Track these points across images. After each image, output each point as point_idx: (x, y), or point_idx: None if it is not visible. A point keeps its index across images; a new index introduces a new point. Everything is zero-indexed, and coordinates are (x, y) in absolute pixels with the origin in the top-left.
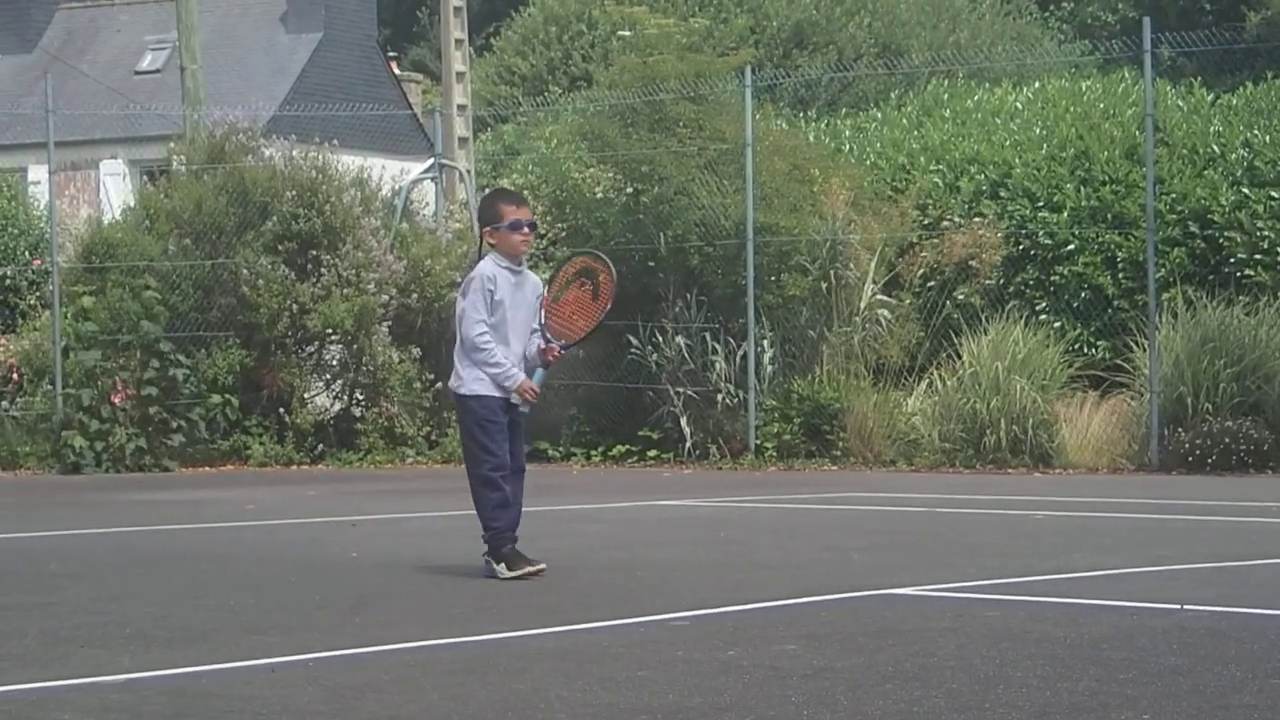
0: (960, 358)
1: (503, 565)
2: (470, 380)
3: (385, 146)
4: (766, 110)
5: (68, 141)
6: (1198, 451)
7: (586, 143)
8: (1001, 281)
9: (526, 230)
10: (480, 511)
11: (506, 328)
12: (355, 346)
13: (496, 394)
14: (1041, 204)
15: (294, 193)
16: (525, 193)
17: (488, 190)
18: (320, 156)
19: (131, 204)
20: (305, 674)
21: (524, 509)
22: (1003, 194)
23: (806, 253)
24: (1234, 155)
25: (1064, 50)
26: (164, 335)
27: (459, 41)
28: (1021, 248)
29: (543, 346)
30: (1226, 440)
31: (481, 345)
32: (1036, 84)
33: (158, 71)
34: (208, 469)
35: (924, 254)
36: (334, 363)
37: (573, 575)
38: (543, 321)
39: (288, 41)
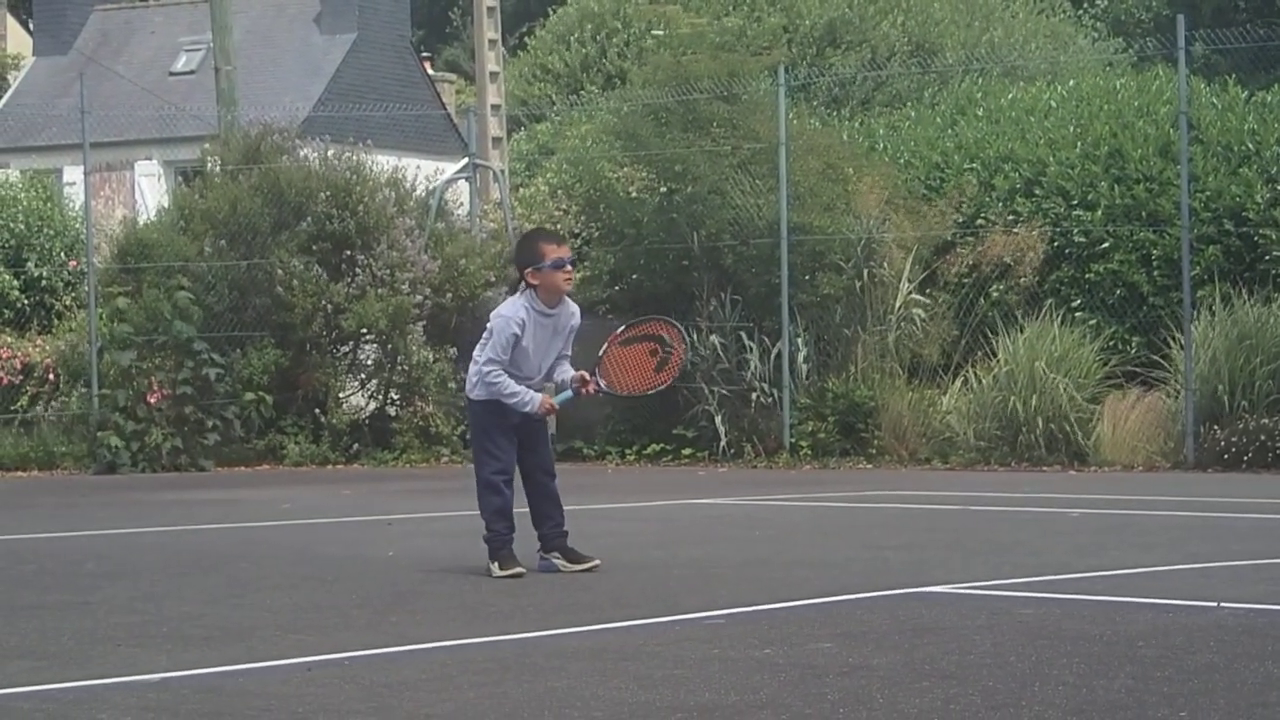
0: (995, 356)
1: (496, 564)
2: (479, 385)
3: (419, 146)
4: (800, 109)
5: (103, 142)
6: (1234, 449)
7: (620, 142)
8: (1037, 279)
9: (569, 269)
10: (482, 513)
11: (527, 359)
12: (390, 346)
13: (491, 399)
14: (1076, 202)
15: (328, 193)
16: (559, 192)
17: (524, 230)
18: (355, 157)
19: (166, 205)
20: (342, 673)
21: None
22: (1037, 192)
23: (840, 251)
24: (1269, 153)
25: (1098, 48)
26: (199, 335)
27: (492, 41)
28: (1056, 245)
29: (586, 378)
30: (1263, 438)
31: (492, 381)
32: (1070, 82)
33: (192, 72)
34: (243, 468)
35: (963, 252)
36: (369, 362)
37: (608, 574)
38: (600, 355)
39: (322, 42)
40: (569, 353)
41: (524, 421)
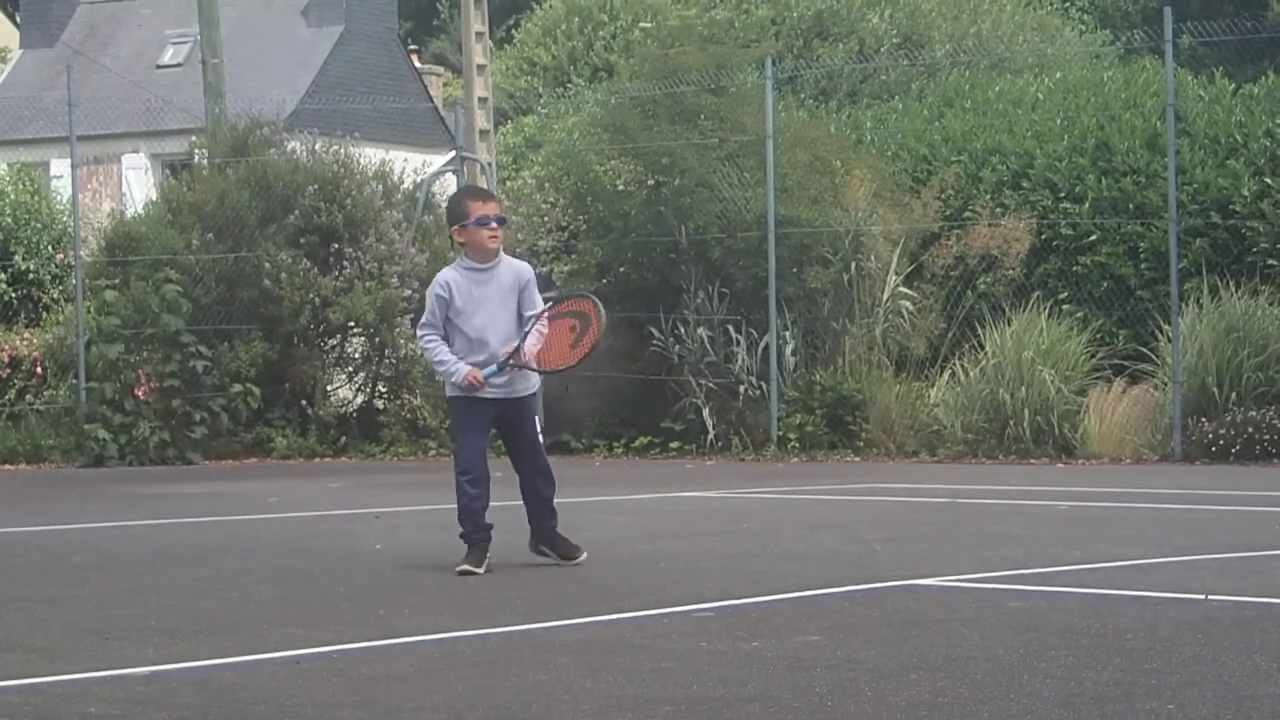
0: (983, 348)
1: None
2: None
3: (407, 139)
4: (788, 101)
5: (90, 135)
6: (1221, 441)
7: (608, 135)
8: (1024, 272)
9: (494, 225)
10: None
11: (472, 326)
12: (378, 339)
13: (460, 394)
14: (1063, 194)
15: (316, 186)
16: (547, 185)
17: (453, 191)
18: (342, 149)
19: (154, 197)
20: (330, 666)
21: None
22: (1024, 185)
23: (828, 244)
24: (1256, 145)
25: (1085, 40)
26: (186, 328)
27: (479, 34)
28: (1044, 238)
29: (509, 351)
30: (1250, 430)
31: (424, 347)
32: (1058, 74)
33: (179, 65)
34: (231, 462)
35: (949, 244)
36: (356, 355)
37: (596, 567)
38: (526, 330)
39: (309, 35)
40: (534, 311)
41: (501, 414)
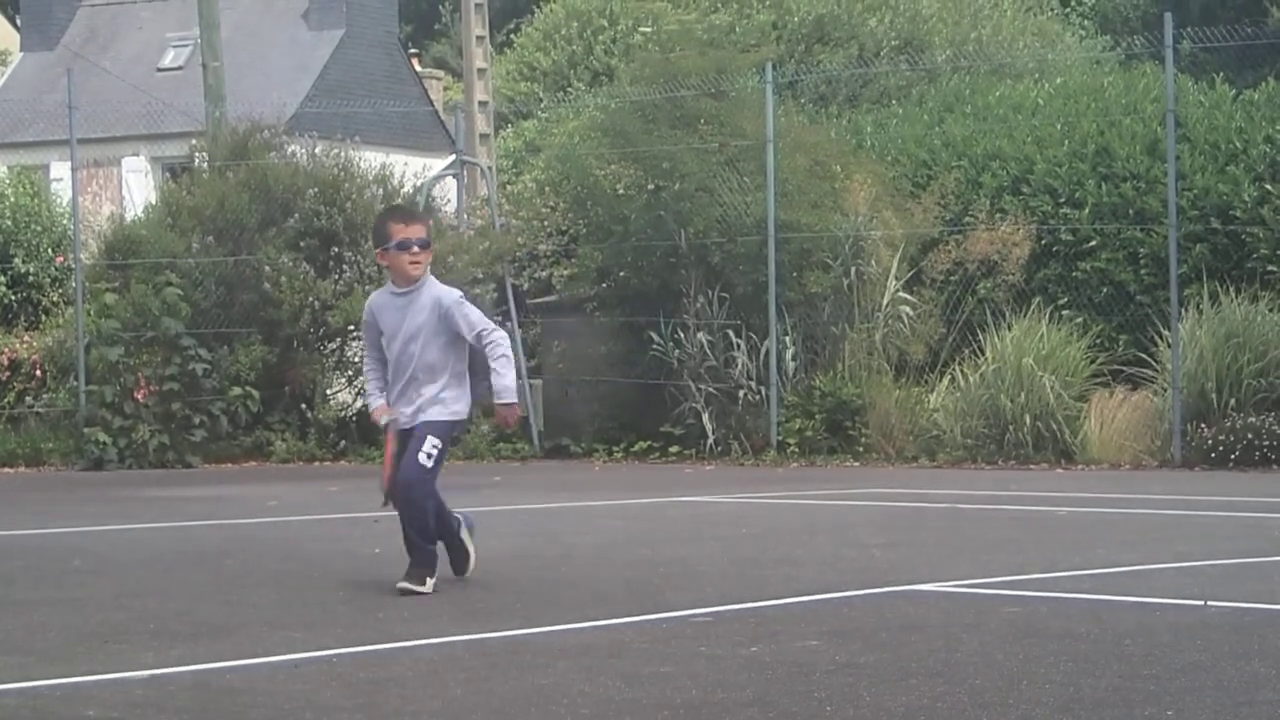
0: (983, 353)
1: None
2: None
3: (407, 143)
4: (788, 106)
5: (90, 138)
6: (1221, 447)
7: (608, 139)
8: (1024, 277)
9: (416, 249)
10: None
11: (393, 351)
12: None
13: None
14: (1063, 200)
15: (316, 190)
16: (547, 189)
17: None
18: (342, 153)
19: (154, 201)
20: (328, 669)
21: (548, 505)
22: (1025, 190)
23: (828, 249)
24: (1256, 151)
25: (1085, 46)
26: (186, 331)
27: (480, 38)
28: (1044, 243)
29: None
30: (1250, 436)
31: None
32: (1058, 79)
33: (180, 68)
34: (230, 465)
35: (949, 250)
36: (356, 359)
37: (595, 571)
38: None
39: (310, 38)
40: (472, 332)
41: (400, 434)
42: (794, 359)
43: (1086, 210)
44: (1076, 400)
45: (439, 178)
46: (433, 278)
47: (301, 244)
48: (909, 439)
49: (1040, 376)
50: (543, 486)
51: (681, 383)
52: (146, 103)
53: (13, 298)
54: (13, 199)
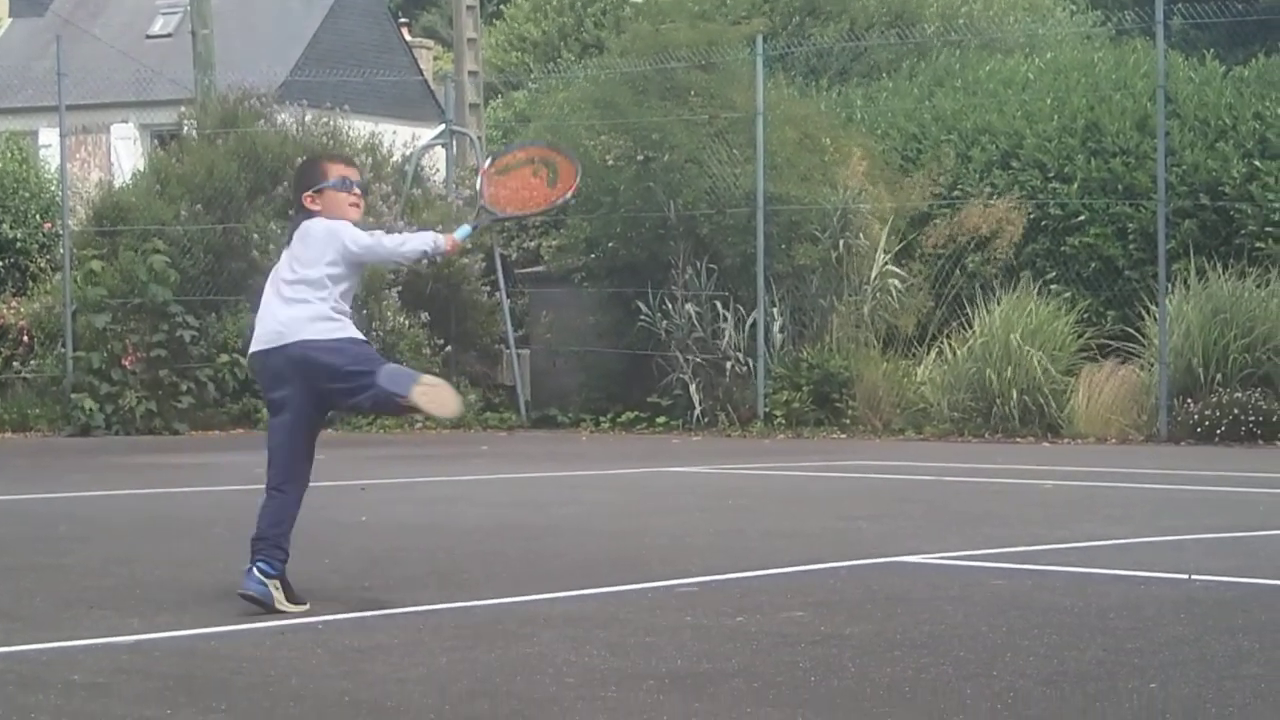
0: (971, 327)
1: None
2: None
3: (396, 112)
4: (778, 79)
5: (79, 105)
6: (1207, 422)
7: (598, 110)
8: (1013, 252)
9: (357, 191)
10: None
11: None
12: (365, 312)
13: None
14: (1053, 175)
15: (305, 158)
16: None
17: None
18: (331, 122)
19: (142, 168)
20: (314, 637)
21: (535, 475)
22: (1014, 165)
23: (817, 222)
24: (1245, 127)
25: (1076, 21)
26: (174, 299)
27: (470, 7)
28: (1032, 218)
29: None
30: (1236, 411)
31: (393, 246)
32: (1048, 55)
33: (169, 36)
34: (217, 433)
35: (939, 224)
36: None
37: (581, 541)
38: (479, 188)
39: (300, 6)
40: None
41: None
42: (781, 331)
43: (1075, 185)
44: (1064, 375)
45: (428, 147)
46: None
47: (290, 212)
48: (896, 412)
49: (1028, 351)
50: (529, 457)
51: (669, 354)
52: (136, 70)
53: (0, 264)
54: (1, 165)
